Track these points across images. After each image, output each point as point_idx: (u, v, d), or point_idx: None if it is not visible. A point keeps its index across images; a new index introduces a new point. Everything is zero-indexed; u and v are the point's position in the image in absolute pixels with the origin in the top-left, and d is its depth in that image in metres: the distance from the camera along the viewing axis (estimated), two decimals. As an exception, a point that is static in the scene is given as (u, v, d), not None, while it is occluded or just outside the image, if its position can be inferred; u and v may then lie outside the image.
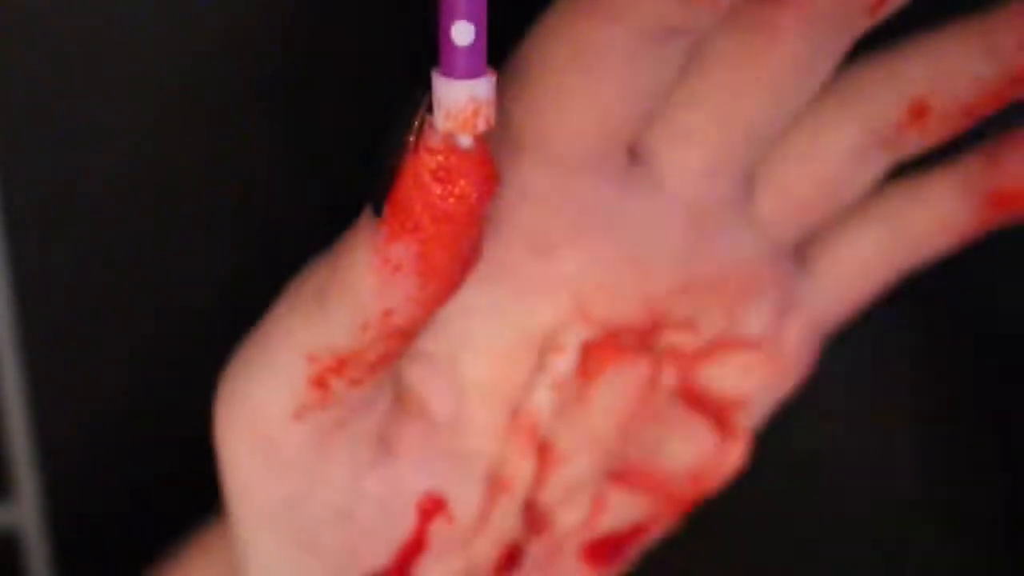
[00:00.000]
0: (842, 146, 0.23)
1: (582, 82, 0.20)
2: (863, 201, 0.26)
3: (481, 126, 0.19)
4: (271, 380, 0.22)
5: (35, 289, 0.33)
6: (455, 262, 0.20)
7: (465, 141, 0.19)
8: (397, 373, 0.23)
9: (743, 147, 0.22)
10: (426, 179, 0.19)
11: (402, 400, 0.23)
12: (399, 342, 0.21)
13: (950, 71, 0.22)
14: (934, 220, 0.25)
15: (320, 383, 0.21)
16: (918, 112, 0.23)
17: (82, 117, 0.30)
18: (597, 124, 0.21)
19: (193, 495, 0.35)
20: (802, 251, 0.26)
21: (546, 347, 0.24)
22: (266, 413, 0.22)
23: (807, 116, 0.24)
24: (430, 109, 0.19)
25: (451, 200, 0.19)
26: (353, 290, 0.20)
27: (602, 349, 0.24)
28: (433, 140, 0.19)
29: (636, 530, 0.27)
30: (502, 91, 0.21)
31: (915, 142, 0.23)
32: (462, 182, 0.19)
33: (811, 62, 0.21)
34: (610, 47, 0.20)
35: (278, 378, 0.22)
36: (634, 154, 0.23)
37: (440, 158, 0.19)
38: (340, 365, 0.21)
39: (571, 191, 0.22)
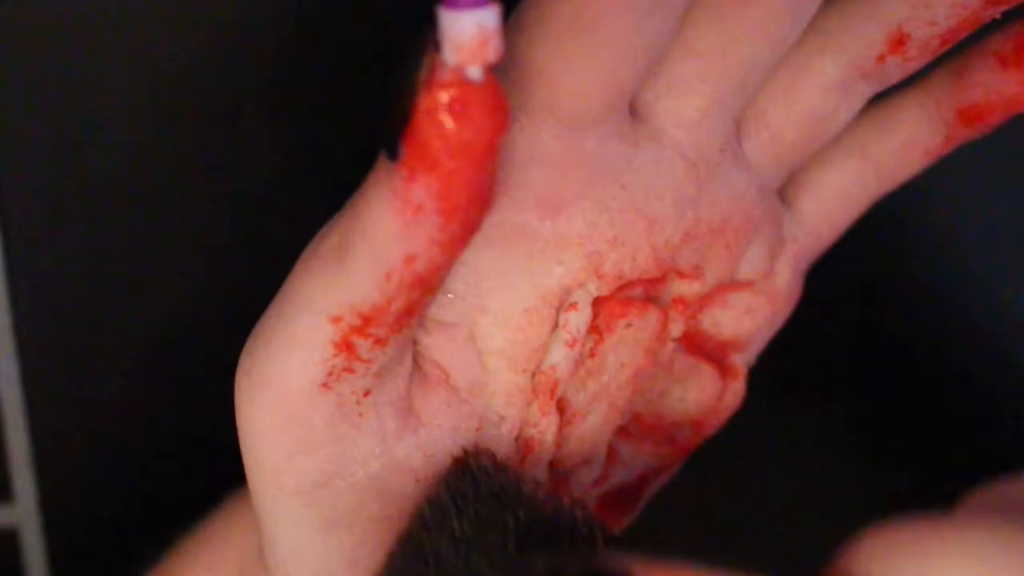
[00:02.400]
0: (826, 83, 0.24)
1: (586, 41, 0.20)
2: (837, 136, 0.26)
3: (491, 56, 0.18)
4: (295, 351, 0.21)
5: (32, 296, 0.33)
6: (475, 198, 0.19)
7: (475, 73, 0.19)
8: (417, 344, 0.23)
9: (736, 93, 0.23)
10: (440, 115, 0.19)
11: (424, 370, 0.23)
12: (420, 293, 0.21)
13: None
14: (906, 143, 0.26)
15: (345, 345, 0.21)
16: (898, 41, 0.23)
17: (80, 117, 0.30)
18: (603, 82, 0.21)
19: (185, 495, 0.35)
20: (784, 189, 0.27)
21: (561, 305, 0.23)
22: (293, 387, 0.21)
23: (790, 56, 0.24)
24: (436, 47, 0.19)
25: (467, 134, 0.19)
26: (375, 238, 0.20)
27: (612, 304, 0.24)
28: (444, 75, 0.18)
29: (644, 480, 0.28)
30: (505, 55, 0.21)
31: (896, 72, 0.24)
32: (476, 114, 0.19)
33: (798, 5, 0.22)
34: (611, 4, 0.20)
35: (302, 347, 0.21)
36: (631, 108, 0.23)
37: (453, 92, 0.19)
38: (364, 323, 0.21)
39: (580, 149, 0.22)
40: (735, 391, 0.27)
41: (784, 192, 0.26)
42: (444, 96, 0.19)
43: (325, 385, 0.21)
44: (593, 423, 0.25)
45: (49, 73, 0.30)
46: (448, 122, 0.19)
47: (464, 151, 0.19)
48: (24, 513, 0.35)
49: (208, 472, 0.35)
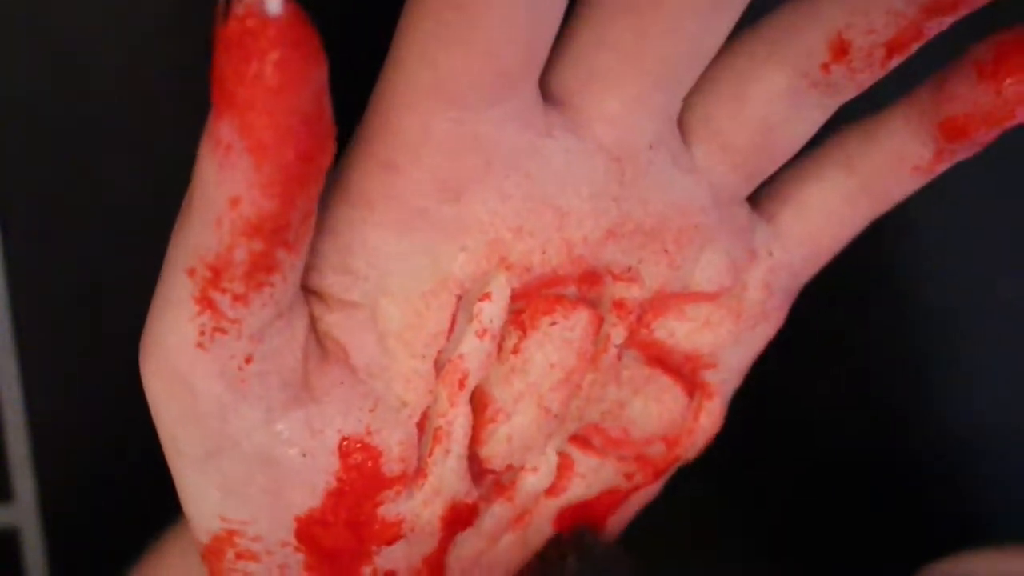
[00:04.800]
0: (772, 90, 0.23)
1: (460, 19, 0.20)
2: (823, 149, 0.26)
3: None
4: (166, 309, 0.21)
5: (32, 297, 0.33)
6: (284, 138, 0.19)
7: (273, 6, 0.18)
8: (319, 322, 0.23)
9: (658, 89, 0.22)
10: (234, 48, 0.18)
11: (326, 347, 0.23)
12: (264, 245, 0.20)
13: (864, 4, 0.22)
14: (894, 158, 0.25)
15: (206, 300, 0.21)
16: (840, 49, 0.22)
17: (80, 117, 0.31)
18: (484, 62, 0.20)
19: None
20: (765, 203, 0.26)
21: (473, 295, 0.23)
22: (170, 347, 0.21)
23: (736, 60, 0.23)
24: None
25: (259, 67, 0.18)
26: (202, 183, 0.20)
27: (537, 300, 0.24)
28: (239, 8, 0.18)
29: (611, 497, 0.27)
30: (397, 35, 0.21)
31: (847, 83, 0.23)
32: (269, 48, 0.18)
33: (715, 2, 0.21)
34: None
35: (170, 304, 0.21)
36: (553, 98, 0.23)
37: (246, 24, 0.18)
38: (215, 275, 0.20)
39: (473, 133, 0.21)
40: (710, 412, 0.26)
41: (765, 206, 0.26)
42: (237, 28, 0.18)
43: (200, 345, 0.21)
44: (522, 424, 0.25)
45: (50, 74, 0.30)
46: (240, 55, 0.18)
47: (257, 85, 0.18)
48: (24, 513, 0.36)
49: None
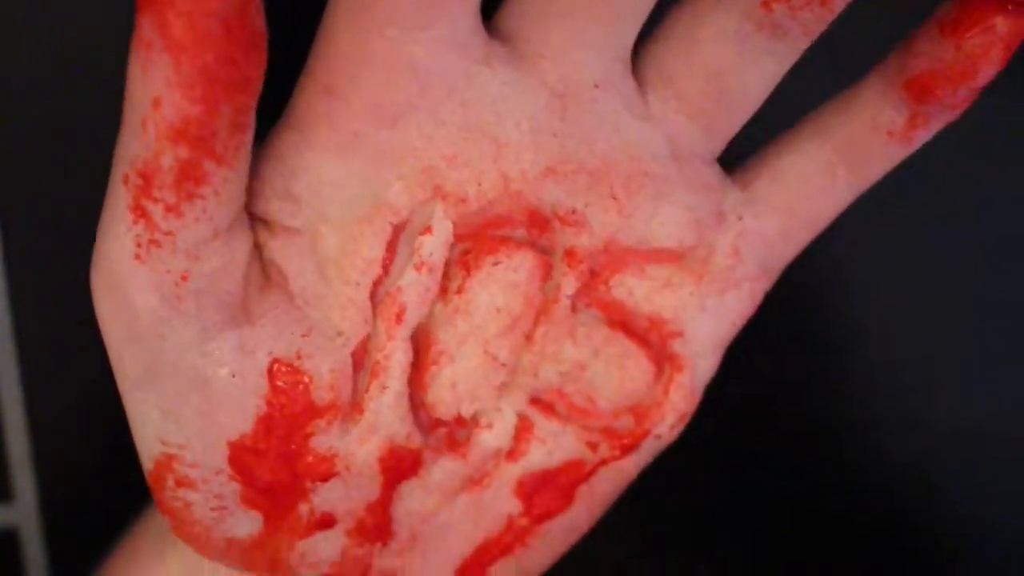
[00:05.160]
0: (720, 32, 0.23)
1: None
2: (800, 122, 0.26)
3: None
4: (108, 221, 0.22)
5: (32, 296, 0.33)
6: (199, 37, 0.19)
7: None
8: (264, 248, 0.23)
9: (604, 22, 0.22)
10: None
11: (268, 273, 0.23)
12: (191, 151, 0.20)
13: None
14: (865, 124, 0.25)
15: (139, 210, 0.21)
16: None
17: (80, 116, 0.31)
18: None
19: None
20: (742, 173, 0.26)
21: (414, 228, 0.23)
22: (112, 259, 0.22)
23: (687, 8, 0.23)
24: None
25: None
26: (130, 85, 0.20)
27: (483, 239, 0.24)
28: None
29: (575, 469, 0.27)
30: None
31: (791, 24, 0.23)
32: None
33: None
34: None
35: (111, 216, 0.22)
36: (502, 36, 0.23)
37: None
38: (146, 183, 0.21)
39: (407, 55, 0.22)
40: (680, 385, 0.26)
41: (741, 175, 0.26)
42: None
43: (138, 257, 0.22)
44: (467, 370, 0.25)
45: (50, 74, 0.30)
46: None
47: None
48: (24, 513, 0.35)
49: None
